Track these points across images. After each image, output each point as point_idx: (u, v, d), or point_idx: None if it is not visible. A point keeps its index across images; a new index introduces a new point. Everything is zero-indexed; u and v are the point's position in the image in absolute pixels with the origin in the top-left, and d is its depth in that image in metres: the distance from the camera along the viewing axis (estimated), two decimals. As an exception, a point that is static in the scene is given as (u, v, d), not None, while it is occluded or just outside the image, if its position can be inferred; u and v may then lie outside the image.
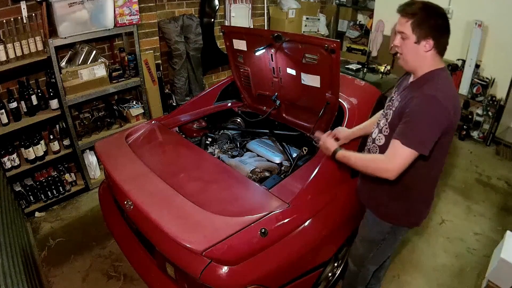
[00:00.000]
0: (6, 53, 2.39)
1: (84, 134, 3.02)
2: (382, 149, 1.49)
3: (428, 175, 1.47)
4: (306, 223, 1.66)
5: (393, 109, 1.45)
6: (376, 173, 1.39)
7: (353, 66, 2.75)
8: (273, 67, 2.27)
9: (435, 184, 1.57)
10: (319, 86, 2.04)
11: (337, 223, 1.80)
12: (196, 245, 1.38)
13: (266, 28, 4.58)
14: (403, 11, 1.35)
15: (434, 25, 1.30)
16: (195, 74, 3.91)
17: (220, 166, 2.02)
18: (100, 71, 2.87)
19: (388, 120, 1.47)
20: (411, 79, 1.47)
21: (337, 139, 1.87)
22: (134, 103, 3.29)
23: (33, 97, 2.66)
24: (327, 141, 1.67)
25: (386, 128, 1.48)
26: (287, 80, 2.25)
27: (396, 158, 1.33)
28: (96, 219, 2.78)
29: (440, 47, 1.35)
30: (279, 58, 2.18)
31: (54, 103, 2.74)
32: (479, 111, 4.08)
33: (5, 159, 2.58)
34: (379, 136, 1.52)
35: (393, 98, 1.55)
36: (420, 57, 1.36)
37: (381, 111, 1.68)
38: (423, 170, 1.42)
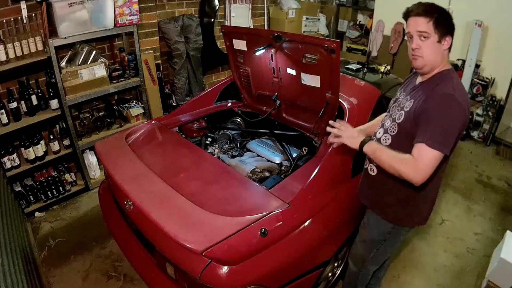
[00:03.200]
0: (6, 53, 2.39)
1: (84, 134, 3.02)
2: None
3: (435, 175, 1.43)
4: (306, 223, 1.66)
5: (406, 109, 1.43)
6: (403, 173, 1.32)
7: (353, 66, 2.75)
8: (273, 67, 2.27)
9: (440, 183, 1.57)
10: (319, 86, 2.04)
11: (337, 223, 1.80)
12: (196, 245, 1.38)
13: (266, 28, 4.58)
14: (423, 11, 1.34)
15: (450, 23, 1.34)
16: (195, 74, 3.91)
17: (220, 166, 2.02)
18: (100, 71, 2.87)
19: (398, 120, 1.46)
20: (420, 79, 1.47)
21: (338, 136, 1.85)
22: (134, 103, 3.29)
23: (33, 97, 2.66)
24: (349, 129, 1.54)
25: (394, 128, 1.47)
26: (287, 80, 2.25)
27: (422, 161, 1.30)
28: (96, 219, 2.78)
29: (451, 46, 1.38)
30: (279, 58, 2.18)
31: (54, 103, 2.74)
32: (479, 111, 4.08)
33: (5, 159, 2.58)
34: (385, 136, 1.51)
35: (399, 99, 1.53)
36: (440, 55, 1.37)
37: (385, 114, 1.67)
38: None
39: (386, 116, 1.60)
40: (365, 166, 1.66)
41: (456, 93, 1.30)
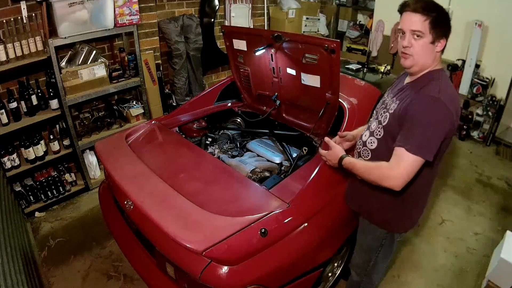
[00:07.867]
0: (6, 53, 2.39)
1: (84, 134, 3.01)
2: (374, 152, 1.45)
3: (423, 180, 1.40)
4: (306, 223, 1.66)
5: (390, 111, 1.38)
6: (381, 181, 1.31)
7: (353, 66, 2.75)
8: (273, 67, 2.27)
9: (430, 189, 1.51)
10: (319, 86, 2.04)
11: (337, 223, 1.80)
12: (196, 245, 1.38)
13: (266, 28, 4.58)
14: (421, 7, 1.25)
15: (448, 25, 1.28)
16: (195, 74, 3.91)
17: (220, 166, 2.02)
18: (100, 71, 2.87)
19: (384, 123, 1.40)
20: (408, 80, 1.42)
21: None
22: (134, 103, 3.29)
23: (33, 97, 2.66)
24: (335, 147, 1.57)
25: (380, 131, 1.42)
26: (287, 80, 2.25)
27: (400, 166, 1.26)
28: (96, 219, 2.78)
29: (444, 48, 1.32)
30: (279, 58, 2.18)
31: (54, 103, 2.74)
32: (479, 111, 4.08)
33: (5, 159, 2.58)
34: (371, 139, 1.46)
35: (386, 101, 1.48)
36: (431, 57, 1.31)
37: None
38: (419, 175, 1.33)
39: (373, 117, 1.56)
40: None
41: (442, 96, 1.24)
